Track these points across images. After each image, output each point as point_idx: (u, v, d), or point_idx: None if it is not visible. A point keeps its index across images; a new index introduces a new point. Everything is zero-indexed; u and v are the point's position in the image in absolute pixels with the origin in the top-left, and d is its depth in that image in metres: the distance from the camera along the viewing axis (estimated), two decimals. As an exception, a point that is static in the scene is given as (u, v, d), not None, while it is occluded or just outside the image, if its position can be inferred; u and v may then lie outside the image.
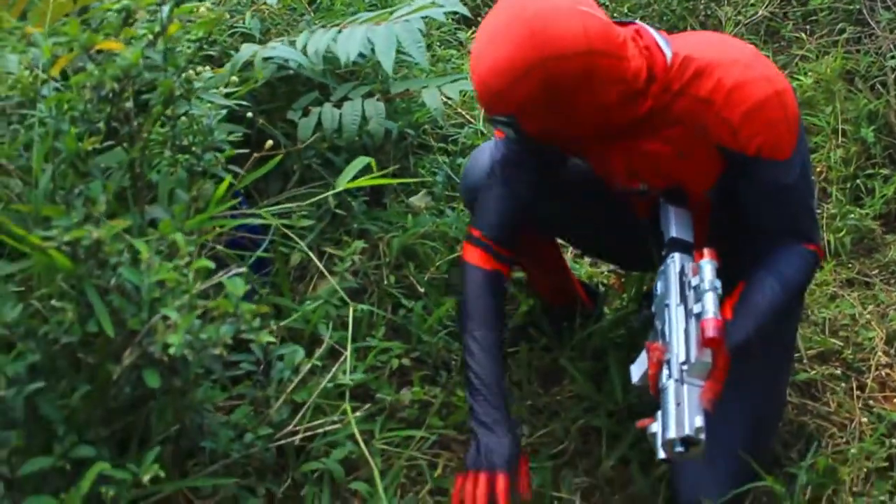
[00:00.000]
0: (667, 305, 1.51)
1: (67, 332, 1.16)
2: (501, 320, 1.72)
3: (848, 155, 2.75)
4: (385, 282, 2.07)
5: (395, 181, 1.85)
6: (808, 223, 1.63)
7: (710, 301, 1.40)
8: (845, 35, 3.14)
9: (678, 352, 1.43)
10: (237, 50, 1.99)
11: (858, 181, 2.72)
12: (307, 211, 1.96)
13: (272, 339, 1.24)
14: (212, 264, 1.11)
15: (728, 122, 1.49)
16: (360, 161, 1.64)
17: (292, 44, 1.97)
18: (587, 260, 2.41)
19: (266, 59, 1.94)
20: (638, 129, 1.55)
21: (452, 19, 3.24)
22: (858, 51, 3.09)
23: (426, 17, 2.01)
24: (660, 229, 1.66)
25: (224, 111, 1.48)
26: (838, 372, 2.13)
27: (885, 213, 2.67)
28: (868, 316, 2.30)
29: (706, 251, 1.47)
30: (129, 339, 1.16)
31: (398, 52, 1.93)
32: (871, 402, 2.07)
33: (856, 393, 2.09)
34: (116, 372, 1.14)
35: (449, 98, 2.21)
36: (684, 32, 2.69)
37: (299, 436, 1.55)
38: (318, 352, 1.66)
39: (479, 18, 3.56)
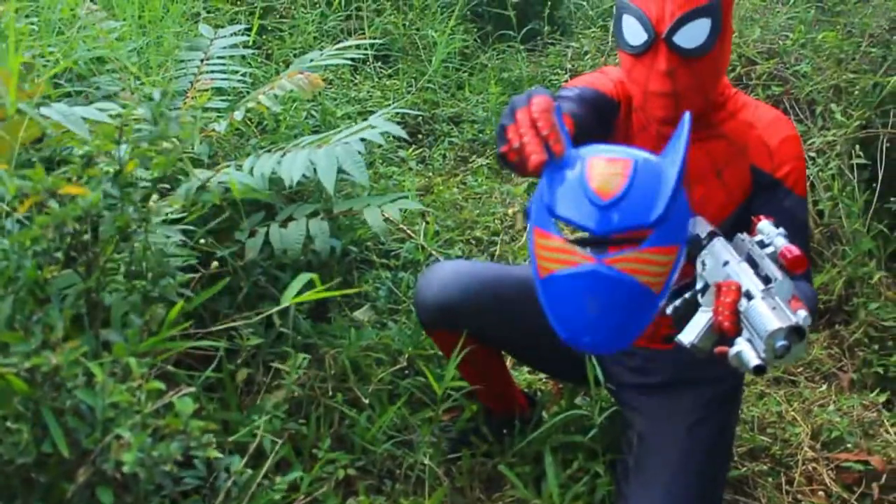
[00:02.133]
0: (726, 263, 1.44)
1: (22, 452, 1.21)
2: None
3: (770, 260, 2.92)
4: (330, 394, 2.13)
5: (338, 293, 1.93)
6: (810, 266, 1.83)
7: (781, 240, 1.40)
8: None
9: (753, 285, 1.35)
10: (186, 174, 2.09)
11: (780, 285, 2.87)
12: (254, 328, 2.05)
13: (218, 455, 1.31)
14: (163, 385, 1.19)
15: (767, 145, 1.78)
16: (303, 277, 1.73)
17: (239, 168, 2.07)
18: (525, 368, 2.50)
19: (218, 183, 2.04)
20: (697, 125, 1.64)
21: (393, 138, 3.39)
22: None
23: (364, 139, 2.13)
24: None
25: (177, 238, 1.57)
26: (767, 468, 2.23)
27: (807, 315, 2.82)
28: (794, 413, 2.42)
29: (761, 216, 1.49)
30: (83, 458, 1.22)
31: (341, 170, 2.04)
32: (799, 495, 2.17)
33: (784, 487, 2.19)
34: (70, 490, 1.19)
35: (389, 219, 2.32)
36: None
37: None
38: (266, 465, 1.72)
39: (419, 136, 3.76)
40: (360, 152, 2.02)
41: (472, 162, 3.69)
